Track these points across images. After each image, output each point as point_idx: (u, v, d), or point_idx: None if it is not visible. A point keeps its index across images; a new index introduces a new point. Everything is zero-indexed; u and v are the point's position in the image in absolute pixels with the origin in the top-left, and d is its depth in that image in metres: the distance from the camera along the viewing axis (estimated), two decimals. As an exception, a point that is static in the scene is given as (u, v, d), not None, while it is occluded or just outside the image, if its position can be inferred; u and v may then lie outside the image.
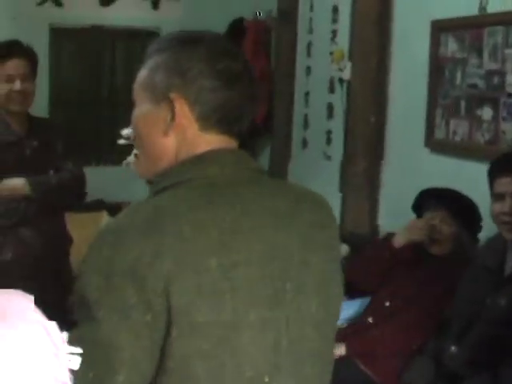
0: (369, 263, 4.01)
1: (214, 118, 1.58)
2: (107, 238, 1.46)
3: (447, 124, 4.12)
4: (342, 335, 3.81)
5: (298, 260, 1.56)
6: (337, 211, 5.27)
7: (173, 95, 1.56)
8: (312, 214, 1.65)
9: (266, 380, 1.51)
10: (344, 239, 4.97)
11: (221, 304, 1.44)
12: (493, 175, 3.17)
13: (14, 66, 3.58)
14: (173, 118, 1.56)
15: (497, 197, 3.11)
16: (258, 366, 1.50)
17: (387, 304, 3.80)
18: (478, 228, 3.74)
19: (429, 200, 3.83)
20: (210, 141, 1.59)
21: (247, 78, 1.62)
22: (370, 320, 3.81)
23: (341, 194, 5.23)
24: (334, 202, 5.29)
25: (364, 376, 3.61)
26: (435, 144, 4.26)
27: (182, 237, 1.42)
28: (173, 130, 1.58)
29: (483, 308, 3.11)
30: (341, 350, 3.68)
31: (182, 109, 1.56)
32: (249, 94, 1.62)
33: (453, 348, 3.16)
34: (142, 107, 1.62)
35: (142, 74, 1.63)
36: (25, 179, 3.59)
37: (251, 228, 1.51)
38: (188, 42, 1.61)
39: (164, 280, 1.39)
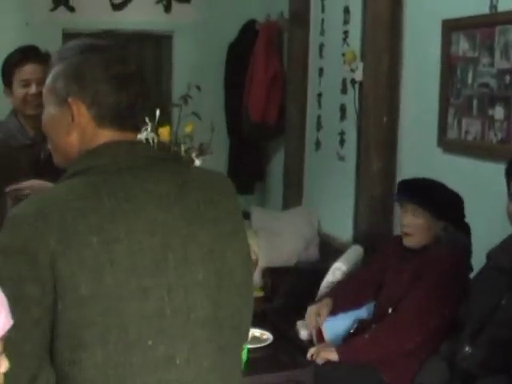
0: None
1: (109, 117, 1.84)
2: (7, 224, 1.72)
3: (459, 124, 4.10)
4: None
5: (182, 234, 1.78)
6: (351, 212, 5.27)
7: (71, 99, 1.83)
8: (201, 193, 1.86)
9: (150, 343, 1.72)
10: (358, 240, 4.98)
11: (102, 276, 1.67)
12: (510, 174, 3.15)
13: (30, 70, 3.62)
14: (72, 119, 1.84)
15: None
16: (141, 331, 1.71)
17: (390, 311, 3.79)
18: (456, 213, 3.74)
19: (402, 194, 3.84)
20: (107, 135, 1.84)
21: (138, 80, 1.89)
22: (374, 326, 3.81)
23: (355, 195, 5.22)
24: (349, 202, 5.29)
25: (379, 379, 3.60)
26: (448, 144, 4.24)
27: (65, 222, 1.67)
28: (74, 128, 1.84)
29: (497, 309, 3.10)
30: (333, 355, 3.66)
31: (80, 110, 1.83)
32: (140, 93, 1.88)
33: (467, 348, 3.15)
34: (49, 110, 1.90)
35: (48, 80, 1.91)
36: (48, 182, 3.61)
37: (132, 210, 1.73)
38: (85, 50, 1.87)
39: (51, 255, 1.64)
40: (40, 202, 1.75)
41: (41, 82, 3.62)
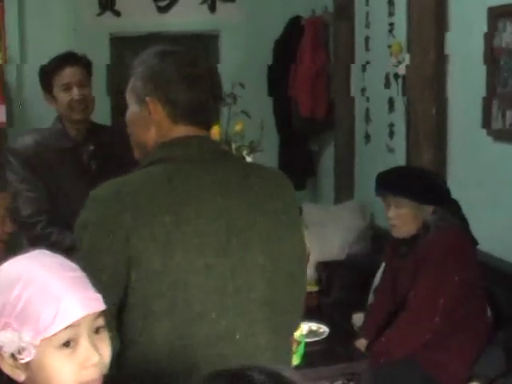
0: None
1: (181, 113, 2.04)
2: (87, 203, 1.96)
3: (505, 113, 4.05)
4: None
5: (244, 221, 1.98)
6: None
7: (148, 98, 2.04)
8: (262, 186, 2.05)
9: (213, 316, 1.90)
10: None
11: (172, 252, 1.86)
12: None
13: (69, 73, 3.61)
14: (149, 115, 2.04)
15: None
16: (205, 304, 1.89)
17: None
18: (440, 194, 3.69)
19: (381, 187, 3.80)
20: (180, 130, 2.05)
21: (208, 81, 2.08)
22: None
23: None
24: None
25: (426, 378, 3.58)
26: (497, 132, 4.20)
27: (139, 202, 1.89)
28: (151, 124, 2.06)
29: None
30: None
31: (156, 108, 2.04)
32: (210, 93, 2.08)
33: (523, 337, 3.15)
34: (131, 109, 2.12)
35: (130, 83, 2.11)
36: None
37: (200, 197, 1.94)
38: (160, 54, 2.08)
39: (125, 231, 1.85)
40: (117, 184, 1.97)
41: (82, 85, 3.65)
